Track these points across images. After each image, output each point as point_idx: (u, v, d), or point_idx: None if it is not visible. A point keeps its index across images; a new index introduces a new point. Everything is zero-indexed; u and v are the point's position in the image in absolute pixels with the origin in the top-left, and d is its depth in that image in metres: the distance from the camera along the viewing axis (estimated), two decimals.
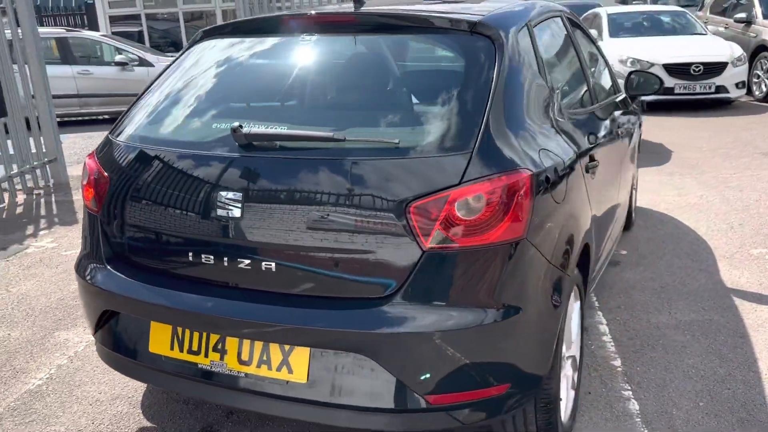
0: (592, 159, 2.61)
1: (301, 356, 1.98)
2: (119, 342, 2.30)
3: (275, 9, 11.87)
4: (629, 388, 2.86)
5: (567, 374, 2.47)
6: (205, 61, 2.51)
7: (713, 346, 3.18)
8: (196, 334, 2.11)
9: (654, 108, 9.81)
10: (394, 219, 1.89)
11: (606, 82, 3.94)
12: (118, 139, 2.39)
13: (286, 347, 1.99)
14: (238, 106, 2.31)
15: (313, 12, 2.40)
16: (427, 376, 1.91)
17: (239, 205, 2.02)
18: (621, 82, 4.14)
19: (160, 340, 2.18)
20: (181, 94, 2.42)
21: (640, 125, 4.56)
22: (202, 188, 2.08)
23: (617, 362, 3.07)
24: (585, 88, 3.13)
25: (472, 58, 2.23)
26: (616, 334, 3.33)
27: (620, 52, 10.04)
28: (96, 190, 2.35)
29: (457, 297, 1.91)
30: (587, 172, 2.51)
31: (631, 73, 4.08)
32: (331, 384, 1.96)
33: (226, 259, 2.08)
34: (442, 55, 2.31)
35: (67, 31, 11.09)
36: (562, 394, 2.43)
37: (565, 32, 3.17)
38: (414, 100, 2.24)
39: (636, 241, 4.62)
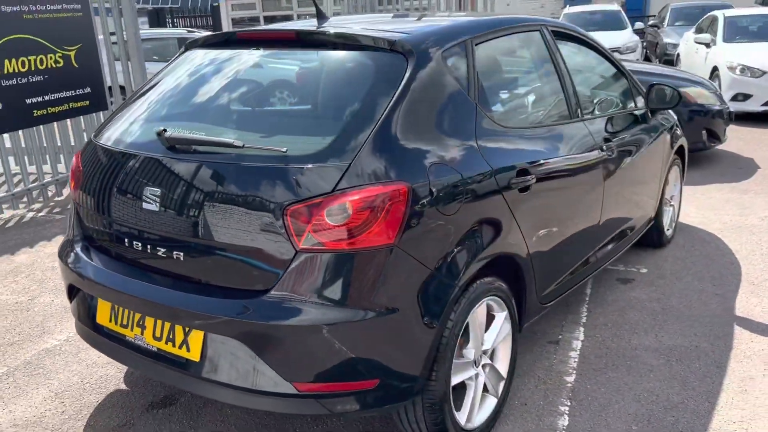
0: (524, 174, 2.64)
1: (197, 338, 2.23)
2: (81, 313, 2.67)
3: (378, 12, 12.23)
4: (569, 404, 2.86)
5: (477, 380, 2.54)
6: (176, 71, 2.83)
7: (682, 373, 3.08)
8: (126, 311, 2.43)
9: (758, 119, 9.13)
10: (274, 220, 2.09)
11: (616, 94, 3.86)
12: (95, 138, 2.76)
13: (186, 328, 2.26)
14: (182, 112, 2.60)
15: (260, 29, 2.64)
16: (293, 362, 2.10)
17: (158, 200, 2.31)
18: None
19: (103, 313, 2.53)
20: (148, 99, 2.75)
21: (674, 138, 4.38)
22: (136, 184, 2.39)
23: (571, 378, 3.07)
24: (556, 102, 3.13)
25: (380, 75, 2.38)
26: (586, 351, 3.30)
27: (731, 58, 9.44)
28: (75, 182, 2.74)
29: (325, 295, 2.08)
30: (510, 188, 2.55)
31: (651, 86, 3.96)
32: (218, 364, 2.20)
33: (149, 247, 2.38)
34: (361, 71, 2.46)
35: (188, 32, 12.08)
36: (468, 399, 2.51)
37: (544, 46, 3.17)
38: (320, 112, 2.42)
39: (663, 260, 4.45)
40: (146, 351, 2.37)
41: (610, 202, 3.47)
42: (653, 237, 4.54)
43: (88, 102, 6.85)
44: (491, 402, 2.68)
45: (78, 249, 2.68)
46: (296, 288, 2.09)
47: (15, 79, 6.03)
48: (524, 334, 3.47)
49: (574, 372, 3.11)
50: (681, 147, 4.69)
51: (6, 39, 5.95)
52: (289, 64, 2.65)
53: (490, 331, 2.62)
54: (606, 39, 12.15)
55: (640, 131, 3.87)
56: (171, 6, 16.08)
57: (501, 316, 2.65)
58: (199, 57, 2.82)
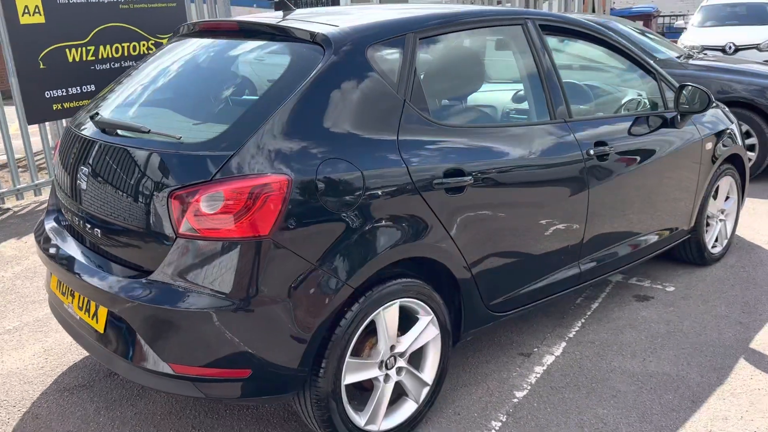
0: (457, 175, 2.52)
1: (102, 311, 2.37)
2: (47, 278, 2.92)
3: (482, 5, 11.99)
4: (503, 420, 2.72)
5: (387, 382, 2.48)
6: (151, 59, 2.98)
7: (648, 404, 2.81)
8: (62, 280, 2.63)
9: None
10: (162, 204, 2.17)
11: (629, 95, 3.57)
12: (72, 119, 2.99)
13: (95, 301, 2.41)
14: (133, 98, 2.73)
15: (216, 20, 2.73)
16: (168, 344, 2.17)
17: (86, 179, 2.48)
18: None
19: (53, 280, 2.75)
20: (118, 85, 2.92)
21: (720, 145, 3.95)
22: (77, 163, 2.57)
23: (521, 393, 2.90)
24: (526, 102, 2.95)
25: (293, 66, 2.38)
26: (555, 368, 3.10)
27: None
28: (55, 158, 3.00)
29: (196, 281, 2.13)
30: (433, 189, 2.45)
31: (681, 86, 3.62)
32: (114, 338, 2.33)
33: (80, 222, 2.55)
34: (279, 63, 2.46)
35: None
36: (372, 400, 2.46)
37: (523, 41, 2.99)
38: (229, 101, 2.45)
39: (698, 279, 4.05)
40: (74, 319, 2.55)
41: (602, 211, 3.22)
42: (692, 253, 4.14)
43: None
44: (410, 407, 2.60)
45: (44, 219, 2.93)
46: (172, 272, 2.15)
47: (108, 64, 6.59)
48: (496, 342, 3.32)
49: (528, 387, 2.94)
50: (736, 156, 4.23)
51: (103, 27, 6.51)
52: (230, 54, 2.71)
53: (409, 334, 2.54)
54: (745, 34, 11.16)
55: (662, 136, 3.54)
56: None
57: (425, 320, 2.57)
58: (173, 46, 2.94)
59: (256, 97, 2.30)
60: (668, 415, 2.74)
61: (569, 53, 3.62)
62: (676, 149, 3.63)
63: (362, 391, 2.53)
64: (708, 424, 2.67)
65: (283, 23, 2.55)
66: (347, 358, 2.33)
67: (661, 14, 17.34)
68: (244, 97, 2.38)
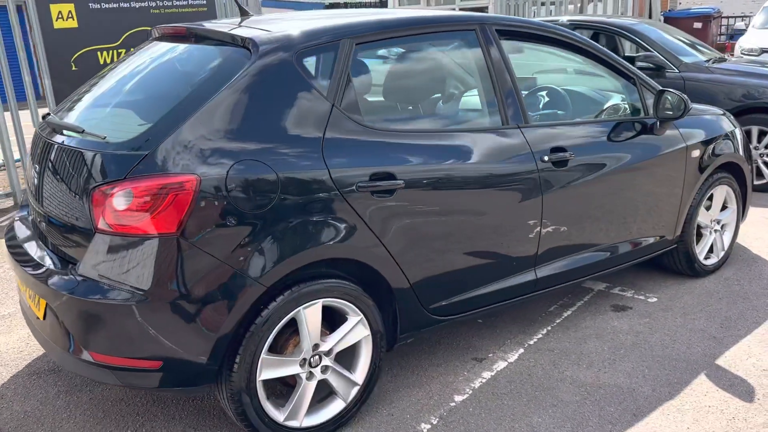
0: (385, 179, 2.56)
1: (43, 300, 2.53)
2: None
3: (530, 6, 11.86)
4: (434, 422, 2.73)
5: (310, 380, 2.54)
6: (118, 62, 3.12)
7: (586, 415, 2.77)
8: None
9: None
10: (85, 201, 2.30)
11: (599, 101, 3.50)
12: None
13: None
14: (92, 100, 2.87)
15: (173, 26, 2.86)
16: (86, 333, 2.30)
17: (37, 175, 2.64)
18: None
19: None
20: (88, 86, 3.08)
21: (710, 153, 3.82)
22: (34, 160, 2.75)
23: (461, 398, 2.90)
24: (473, 107, 2.95)
25: (220, 70, 2.47)
26: (503, 374, 3.08)
27: None
28: None
29: (109, 275, 2.25)
30: (357, 191, 2.49)
31: (660, 92, 3.53)
32: (51, 326, 2.48)
33: (36, 217, 2.72)
34: (208, 66, 2.55)
35: None
36: (293, 397, 2.53)
37: (476, 47, 2.98)
38: (159, 102, 2.54)
39: (686, 291, 3.92)
40: (27, 308, 2.73)
41: (562, 218, 3.17)
42: (680, 264, 4.02)
43: None
44: (337, 406, 2.65)
45: (15, 213, 3.13)
46: (90, 265, 2.28)
47: None
48: (453, 346, 3.33)
49: (470, 392, 2.94)
50: (733, 165, 4.08)
51: (134, 31, 6.81)
52: (175, 58, 2.82)
53: (335, 334, 2.59)
54: None
55: (635, 142, 3.45)
56: (345, 1, 16.95)
57: (353, 321, 2.61)
58: (142, 50, 3.08)
59: (181, 99, 2.40)
60: (603, 427, 2.69)
61: (541, 59, 3.58)
62: (653, 156, 3.53)
63: (289, 387, 2.60)
64: None
65: (218, 28, 2.65)
66: (263, 355, 2.40)
67: (723, 15, 16.64)
68: (172, 98, 2.48)
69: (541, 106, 3.58)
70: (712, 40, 14.77)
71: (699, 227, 4.05)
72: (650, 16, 15.03)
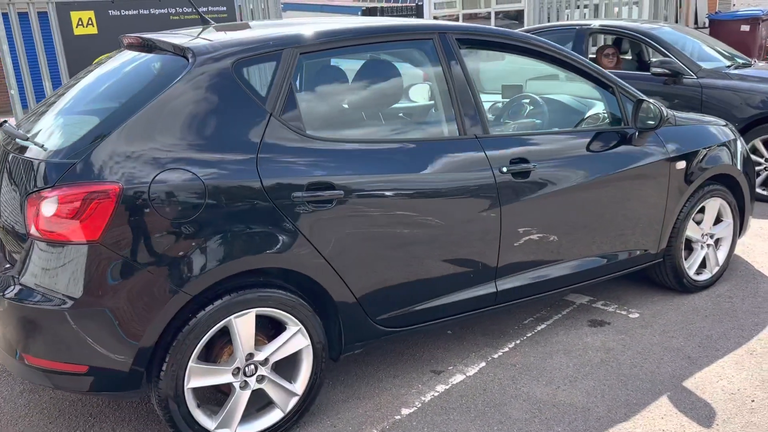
0: (324, 189, 2.55)
1: None
2: None
3: (563, 9, 11.64)
4: None
5: (244, 389, 2.55)
6: (84, 71, 3.19)
7: None
8: None
9: None
10: (22, 207, 2.38)
11: (569, 111, 3.41)
12: None
13: None
14: (52, 108, 2.95)
15: (129, 35, 2.93)
16: (18, 335, 2.36)
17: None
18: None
19: None
20: (56, 96, 3.17)
21: (695, 165, 3.67)
22: None
23: (407, 411, 2.87)
24: (426, 117, 2.91)
25: (156, 79, 2.51)
26: (458, 388, 3.03)
27: None
28: None
29: (36, 280, 2.31)
30: (292, 201, 2.49)
31: (637, 102, 3.42)
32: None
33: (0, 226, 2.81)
34: (147, 76, 2.59)
35: None
36: (226, 406, 2.54)
37: (433, 56, 2.94)
38: (97, 111, 2.57)
39: (672, 308, 3.77)
40: None
41: (525, 231, 3.10)
42: (668, 279, 3.88)
43: None
44: (275, 416, 2.66)
45: None
46: (23, 270, 2.35)
47: None
48: (415, 357, 3.29)
49: (419, 405, 2.90)
50: (726, 177, 3.91)
51: None
52: (126, 67, 2.86)
53: (272, 343, 2.60)
54: None
55: (609, 152, 3.35)
56: (382, 5, 16.98)
57: (291, 331, 2.61)
58: (109, 59, 3.15)
59: (116, 108, 2.44)
60: None
61: (513, 68, 3.52)
62: (630, 167, 3.41)
63: (226, 396, 2.61)
64: None
65: (166, 38, 2.69)
66: (191, 363, 2.42)
67: None
68: (110, 107, 2.52)
69: (516, 115, 3.51)
70: (761, 43, 14.19)
71: (689, 241, 3.90)
72: (696, 20, 14.54)
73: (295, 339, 2.63)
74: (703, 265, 4.00)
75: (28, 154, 2.46)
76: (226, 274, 2.42)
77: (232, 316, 2.46)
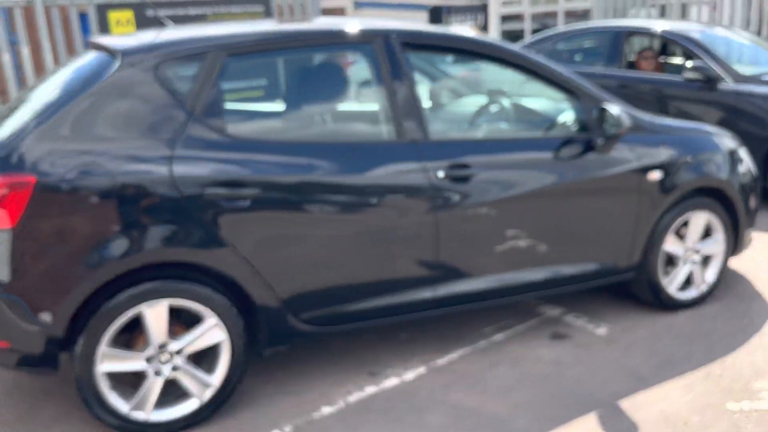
0: (240, 187, 2.63)
1: None
2: None
3: (629, 9, 11.26)
4: (287, 430, 2.76)
5: (157, 376, 2.67)
6: (55, 70, 3.37)
7: None
8: None
9: None
10: None
11: (523, 117, 3.33)
12: None
13: None
14: (13, 104, 3.14)
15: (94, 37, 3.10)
16: None
17: None
18: None
19: None
20: (27, 91, 3.35)
21: (672, 176, 3.50)
22: None
23: (328, 410, 2.91)
24: (359, 120, 2.94)
25: (86, 79, 2.65)
26: (386, 392, 3.04)
27: None
28: None
29: None
30: (206, 198, 2.58)
31: (599, 110, 3.30)
32: None
33: None
34: (83, 75, 2.72)
35: None
36: (140, 391, 2.66)
37: (371, 60, 2.96)
38: (34, 109, 2.71)
39: (645, 326, 3.59)
40: None
41: (467, 237, 3.07)
42: (644, 294, 3.72)
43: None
44: (192, 404, 2.75)
45: None
46: None
47: None
48: (357, 357, 3.31)
49: (341, 405, 2.93)
50: (715, 190, 3.71)
51: None
52: (77, 67, 3.00)
53: (187, 335, 2.70)
54: None
55: (566, 160, 3.24)
56: (449, 5, 16.84)
57: (208, 323, 2.70)
58: (73, 60, 3.34)
59: (46, 104, 2.60)
60: None
61: (476, 74, 3.48)
62: (590, 175, 3.30)
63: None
64: None
65: (105, 40, 2.83)
66: (104, 347, 2.56)
67: None
68: (43, 105, 2.67)
69: (476, 120, 3.46)
70: None
71: (671, 256, 3.71)
72: None
73: (212, 332, 2.72)
74: (689, 281, 3.80)
75: None
76: (133, 265, 2.54)
77: (143, 305, 2.57)
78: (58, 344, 2.53)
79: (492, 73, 3.47)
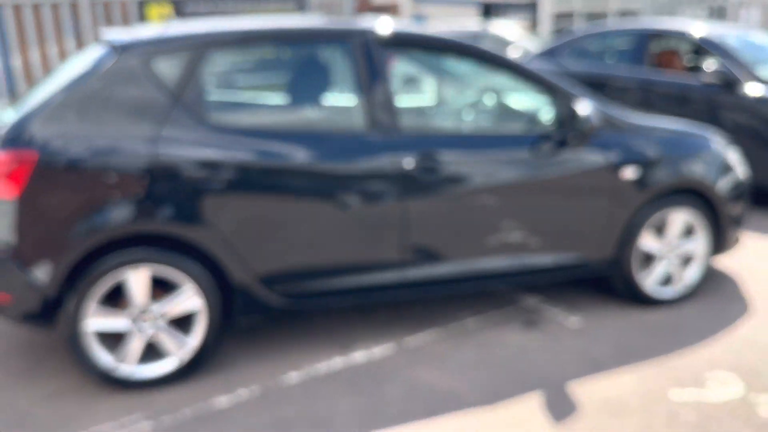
0: (220, 168, 2.92)
1: None
2: None
3: (674, 8, 11.15)
4: (255, 389, 3.04)
5: (138, 335, 2.99)
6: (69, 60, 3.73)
7: (389, 407, 2.90)
8: None
9: None
10: None
11: (495, 112, 3.50)
12: None
13: None
14: (38, 89, 3.52)
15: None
16: None
17: None
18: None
19: None
20: (44, 79, 3.72)
21: (650, 174, 3.62)
22: None
23: (295, 375, 3.17)
24: (333, 112, 3.18)
25: (89, 68, 2.96)
26: (352, 364, 3.28)
27: None
28: None
29: None
30: (186, 176, 2.88)
31: (572, 107, 3.46)
32: None
33: None
34: (90, 65, 3.05)
35: (483, 30, 12.61)
36: (124, 347, 2.99)
37: (348, 56, 3.20)
38: (45, 94, 3.06)
39: (618, 318, 3.72)
40: None
41: (434, 225, 3.28)
42: (618, 287, 3.85)
43: None
44: (171, 363, 3.07)
45: None
46: None
47: None
48: (332, 330, 3.55)
49: (308, 372, 3.19)
50: (696, 191, 3.80)
51: None
52: (85, 59, 3.34)
53: (167, 299, 3.01)
54: None
55: (534, 155, 3.41)
56: (497, 1, 16.86)
57: (186, 290, 3.01)
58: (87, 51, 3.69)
59: (56, 90, 2.94)
60: (396, 418, 2.81)
61: (456, 70, 3.67)
62: (560, 171, 3.45)
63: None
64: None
65: (109, 34, 3.16)
66: (91, 306, 2.89)
67: None
68: (53, 91, 3.01)
69: (453, 114, 3.66)
70: None
71: (648, 253, 3.82)
72: None
73: (191, 299, 3.02)
74: (670, 280, 3.90)
75: None
76: (119, 234, 2.86)
77: (127, 269, 2.89)
78: (53, 303, 2.87)
79: (470, 71, 3.64)
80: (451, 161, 3.25)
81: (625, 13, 13.03)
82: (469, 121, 3.62)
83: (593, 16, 14.46)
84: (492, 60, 3.44)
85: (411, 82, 3.69)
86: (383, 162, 3.16)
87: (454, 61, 3.53)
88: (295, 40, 3.23)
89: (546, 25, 15.09)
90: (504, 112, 3.71)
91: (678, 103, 6.30)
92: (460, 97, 3.73)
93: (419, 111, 3.68)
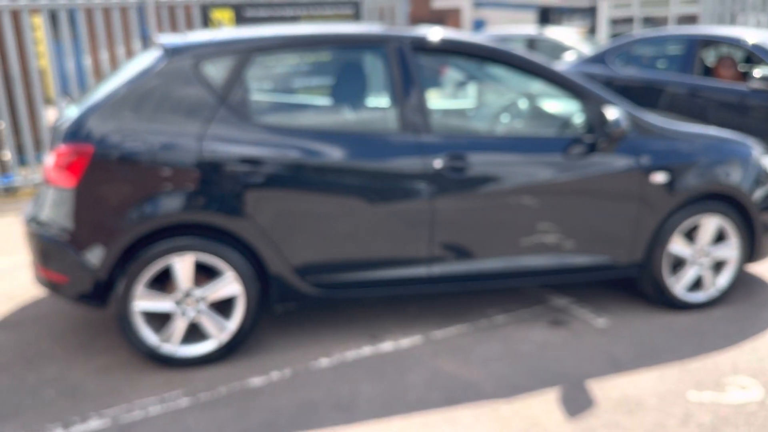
0: (259, 164, 3.14)
1: None
2: None
3: (735, 14, 10.93)
4: (286, 372, 3.25)
5: (183, 316, 3.23)
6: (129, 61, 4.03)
7: (409, 392, 3.06)
8: None
9: None
10: None
11: (523, 116, 3.61)
12: None
13: None
14: (96, 88, 3.80)
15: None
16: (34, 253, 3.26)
17: None
18: None
19: None
20: (106, 78, 4.03)
21: (677, 180, 3.66)
22: None
23: (325, 360, 3.36)
24: (368, 114, 3.36)
25: (144, 70, 3.22)
26: (379, 353, 3.45)
27: None
28: None
29: (46, 214, 3.16)
30: (229, 172, 3.11)
31: (602, 111, 3.54)
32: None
33: None
34: (145, 67, 3.31)
35: (539, 33, 12.56)
36: (168, 329, 3.23)
37: (383, 62, 3.37)
38: (103, 92, 3.32)
39: (645, 321, 3.77)
40: None
41: (462, 223, 3.41)
42: (648, 292, 3.89)
43: None
44: (212, 344, 3.30)
45: None
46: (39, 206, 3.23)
47: None
48: (363, 321, 3.73)
49: (337, 358, 3.37)
50: (730, 198, 3.82)
51: None
52: (140, 59, 3.61)
53: (210, 285, 3.24)
54: None
55: (564, 158, 3.50)
56: (558, 6, 16.71)
57: (227, 276, 3.24)
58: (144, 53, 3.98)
59: (112, 89, 3.21)
60: (414, 405, 2.96)
61: (485, 75, 3.80)
62: (589, 174, 3.53)
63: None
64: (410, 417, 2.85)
65: (161, 38, 3.43)
66: (139, 289, 3.15)
67: None
68: (110, 90, 3.29)
69: (487, 117, 3.78)
70: None
71: (680, 257, 3.85)
72: None
73: (231, 285, 3.25)
74: (699, 284, 3.92)
75: (57, 124, 3.34)
76: (167, 223, 3.11)
77: (174, 255, 3.14)
78: (105, 285, 3.15)
79: (504, 76, 3.76)
80: (480, 162, 3.38)
81: (683, 19, 12.76)
82: (501, 124, 3.73)
83: (652, 21, 14.20)
84: (524, 64, 3.55)
85: (453, 87, 3.84)
86: (414, 161, 3.31)
87: (488, 66, 3.65)
88: (332, 45, 3.42)
89: (604, 30, 14.90)
90: (535, 115, 3.81)
91: (727, 109, 6.23)
92: (493, 100, 3.85)
93: (452, 113, 3.82)
